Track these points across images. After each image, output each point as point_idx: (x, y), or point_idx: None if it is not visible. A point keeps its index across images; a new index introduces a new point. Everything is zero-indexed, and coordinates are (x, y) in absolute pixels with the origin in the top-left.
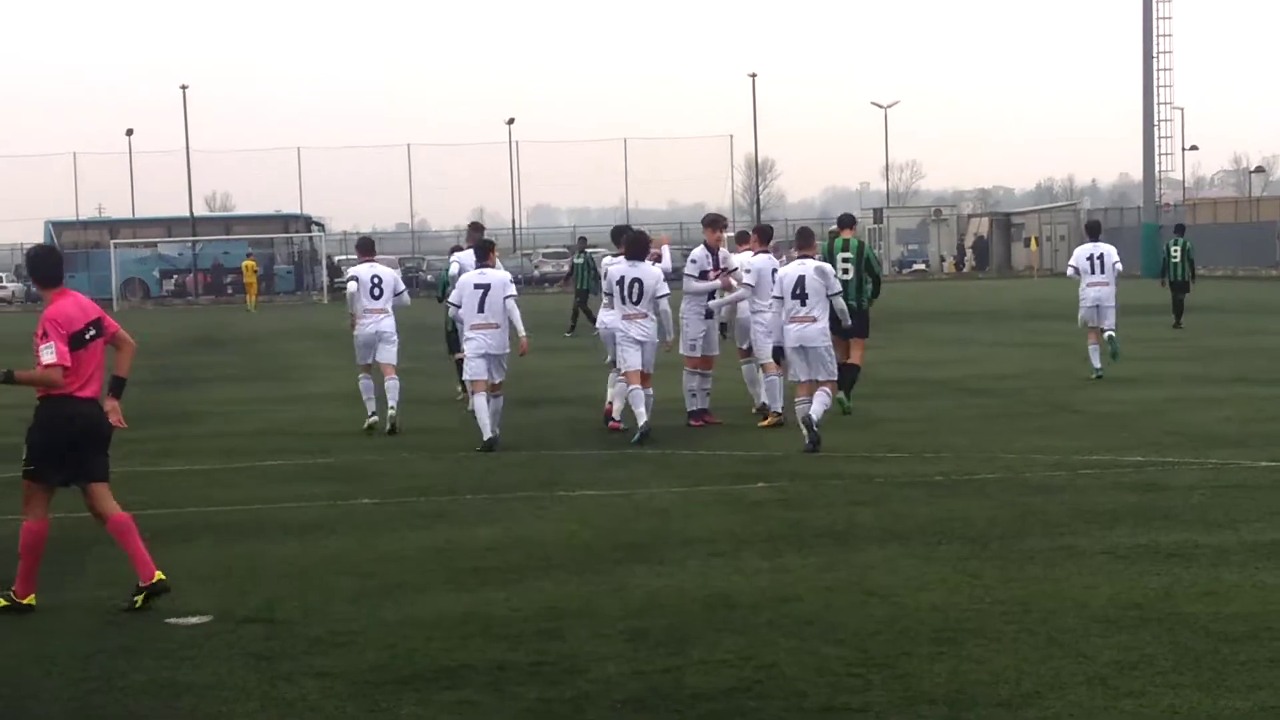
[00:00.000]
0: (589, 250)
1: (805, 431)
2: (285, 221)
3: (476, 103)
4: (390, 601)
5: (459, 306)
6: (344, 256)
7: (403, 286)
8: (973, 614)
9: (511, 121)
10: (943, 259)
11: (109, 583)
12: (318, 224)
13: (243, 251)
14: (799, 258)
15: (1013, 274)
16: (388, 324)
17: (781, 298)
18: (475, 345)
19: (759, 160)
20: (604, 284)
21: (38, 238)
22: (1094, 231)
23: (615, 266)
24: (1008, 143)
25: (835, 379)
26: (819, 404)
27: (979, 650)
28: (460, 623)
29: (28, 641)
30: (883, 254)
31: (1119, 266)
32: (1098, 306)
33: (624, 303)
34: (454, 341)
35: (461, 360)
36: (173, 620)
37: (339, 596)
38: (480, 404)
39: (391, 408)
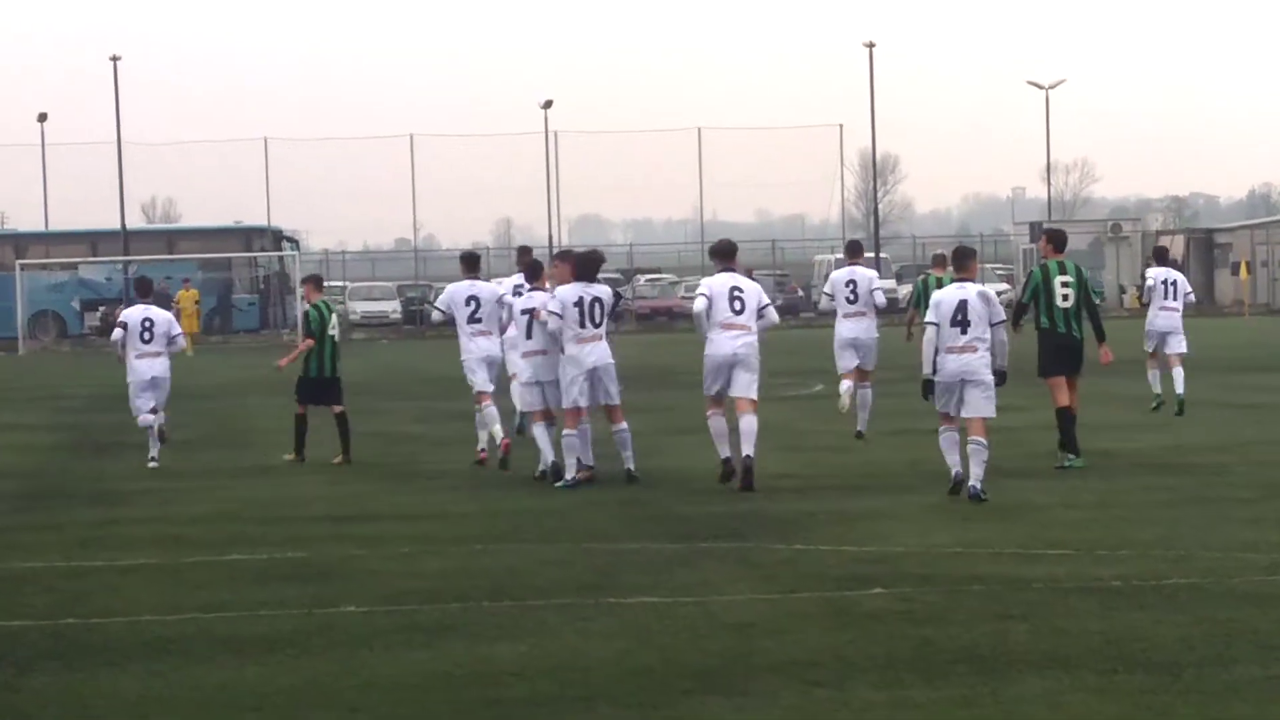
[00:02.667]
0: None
1: (965, 487)
2: (248, 236)
3: (502, 81)
4: None
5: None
6: (331, 282)
7: (178, 330)
8: None
9: (549, 105)
10: (1122, 289)
11: (10, 716)
12: (290, 240)
13: (192, 277)
14: (956, 280)
15: (1216, 310)
16: (161, 366)
17: (937, 324)
18: (527, 373)
19: (878, 158)
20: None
21: None
22: (1162, 257)
23: (564, 290)
24: (1210, 137)
25: (993, 415)
26: (978, 464)
27: None
28: None
29: None
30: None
31: (1192, 297)
32: (1170, 333)
33: (583, 325)
34: (304, 391)
35: (301, 415)
36: None
37: None
38: (539, 432)
39: (154, 460)
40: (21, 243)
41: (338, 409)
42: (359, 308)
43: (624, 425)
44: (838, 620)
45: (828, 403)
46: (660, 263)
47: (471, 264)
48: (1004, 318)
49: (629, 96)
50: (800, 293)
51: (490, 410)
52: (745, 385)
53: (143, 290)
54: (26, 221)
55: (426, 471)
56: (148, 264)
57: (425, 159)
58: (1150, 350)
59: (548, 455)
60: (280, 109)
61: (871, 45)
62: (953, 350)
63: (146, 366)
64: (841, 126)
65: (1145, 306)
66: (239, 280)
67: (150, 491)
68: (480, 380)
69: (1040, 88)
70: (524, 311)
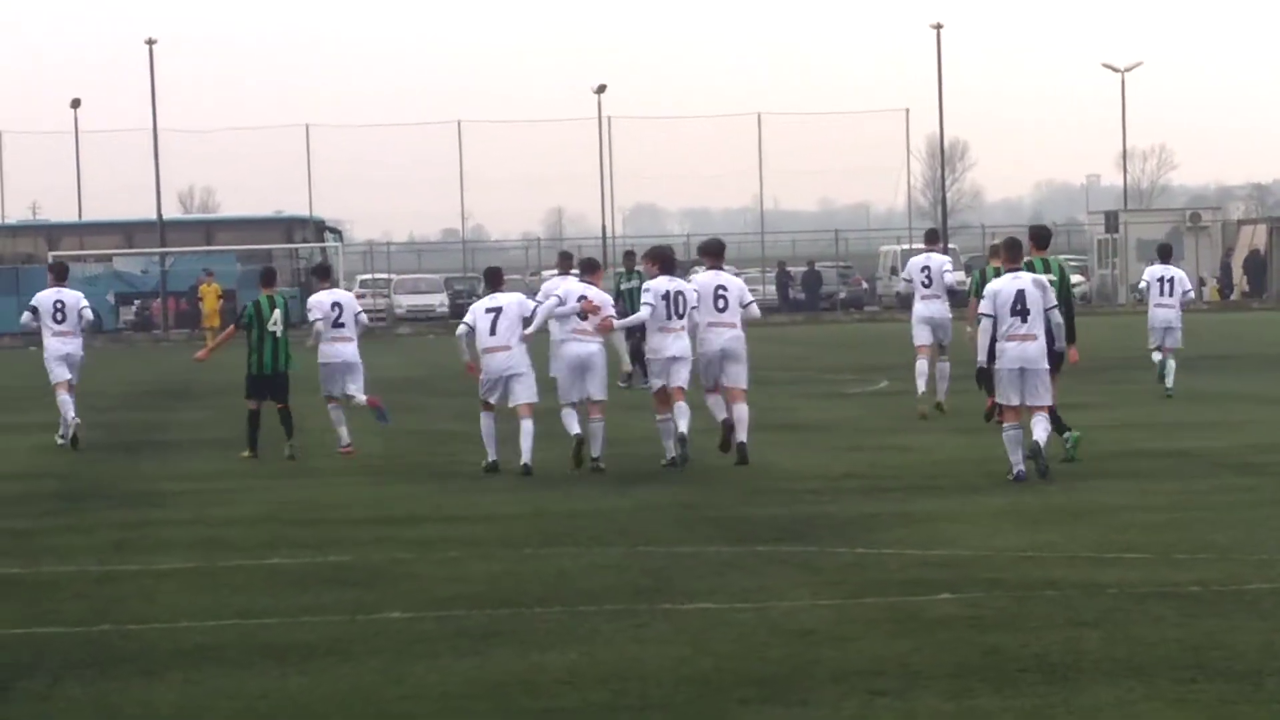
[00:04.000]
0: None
1: (1035, 462)
2: (289, 227)
3: (553, 65)
4: None
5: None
6: (368, 275)
7: (86, 303)
8: None
9: (602, 90)
10: (1202, 282)
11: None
12: (333, 230)
13: (231, 269)
14: (1009, 271)
15: None
16: (74, 344)
17: (993, 315)
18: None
19: (946, 144)
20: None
21: None
22: (1165, 255)
23: (655, 283)
24: None
25: (1052, 403)
26: (1042, 430)
27: None
28: None
29: None
30: (1119, 274)
31: (1190, 295)
32: (1167, 329)
33: (669, 317)
34: (250, 388)
35: (254, 412)
36: None
37: None
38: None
39: (74, 421)
40: (54, 234)
41: (280, 405)
42: (404, 301)
43: (683, 404)
44: (902, 627)
45: (893, 400)
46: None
47: (325, 273)
48: (1055, 304)
49: (686, 80)
50: (865, 285)
51: (337, 412)
52: (735, 376)
53: (58, 274)
54: (59, 212)
55: (472, 472)
56: (185, 255)
57: (474, 147)
58: (1155, 345)
59: (490, 452)
60: (322, 94)
61: (939, 27)
62: (1013, 339)
63: (60, 344)
64: (908, 111)
65: (1140, 303)
66: (279, 273)
67: (187, 493)
68: (335, 388)
69: (1116, 71)
70: (488, 310)
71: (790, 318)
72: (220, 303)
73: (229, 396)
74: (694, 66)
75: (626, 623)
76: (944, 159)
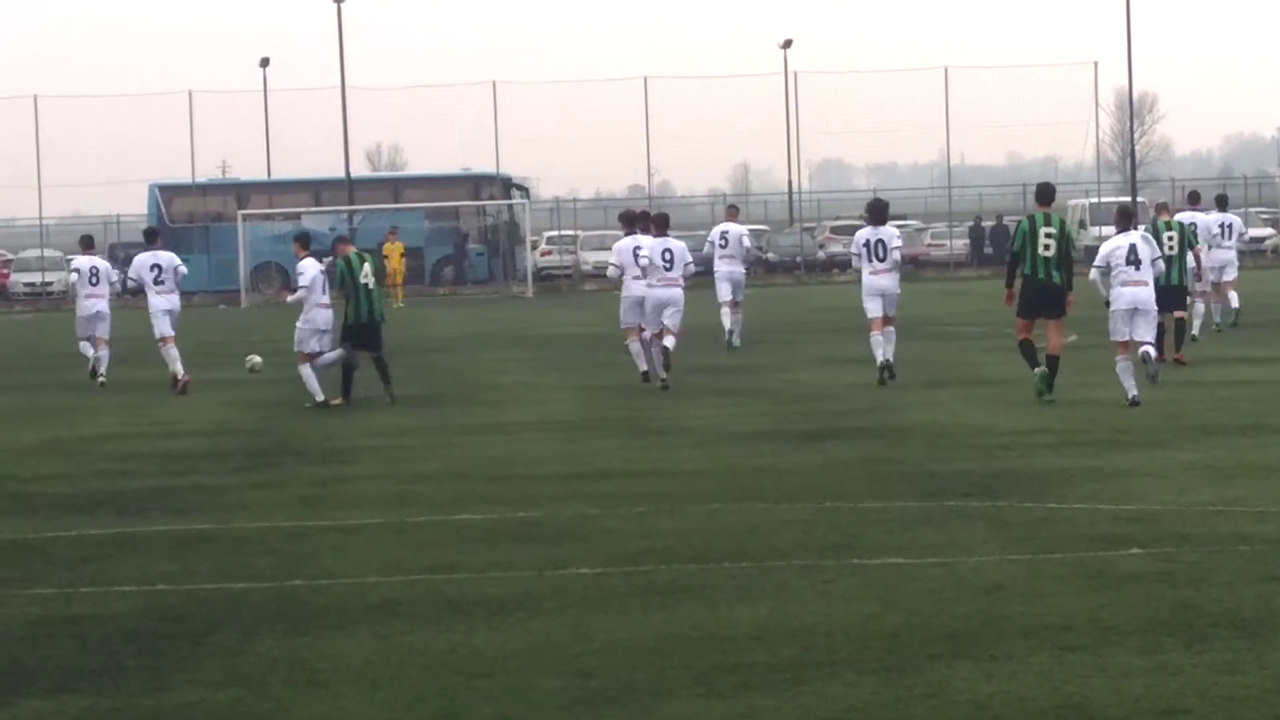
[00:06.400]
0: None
1: (1146, 367)
2: (476, 185)
3: (738, 21)
4: (617, 710)
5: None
6: (555, 231)
7: (116, 275)
8: None
9: (788, 45)
10: None
11: (235, 681)
12: (520, 188)
13: (419, 226)
14: (1120, 232)
15: None
16: (103, 305)
17: (1105, 267)
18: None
19: (1134, 96)
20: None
21: (139, 207)
22: (1223, 205)
23: (860, 232)
24: None
25: (1154, 339)
26: (1150, 348)
27: None
28: None
29: None
30: None
31: (1246, 236)
32: (1225, 266)
33: (869, 261)
34: (346, 336)
35: (349, 360)
36: None
37: (547, 703)
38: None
39: (101, 374)
40: (244, 192)
41: (375, 355)
42: (590, 257)
43: (890, 330)
44: (1093, 582)
45: (1082, 354)
46: (905, 209)
47: (152, 237)
48: (1159, 256)
49: (872, 35)
50: None
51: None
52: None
53: (86, 245)
54: (248, 170)
55: (661, 427)
56: (373, 213)
57: (659, 102)
58: (1213, 281)
59: (317, 394)
60: (509, 51)
61: None
62: (1128, 284)
63: (91, 304)
64: (1096, 64)
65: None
66: (467, 230)
67: (376, 449)
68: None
69: None
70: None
71: (978, 272)
72: (404, 261)
73: (416, 355)
74: (880, 20)
75: (815, 578)
76: (1133, 112)
